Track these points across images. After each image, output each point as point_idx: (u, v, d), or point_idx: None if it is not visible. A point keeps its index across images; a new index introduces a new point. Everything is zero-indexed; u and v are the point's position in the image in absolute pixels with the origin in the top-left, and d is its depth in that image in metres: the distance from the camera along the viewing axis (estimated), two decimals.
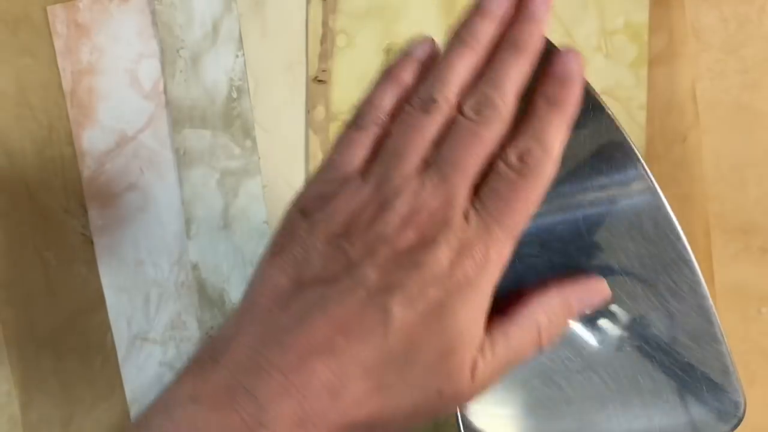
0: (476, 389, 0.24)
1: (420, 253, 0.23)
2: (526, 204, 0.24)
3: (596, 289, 0.27)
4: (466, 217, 0.24)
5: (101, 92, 0.48)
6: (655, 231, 0.28)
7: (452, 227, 0.23)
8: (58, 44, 0.48)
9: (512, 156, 0.24)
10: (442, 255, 0.23)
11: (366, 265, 0.23)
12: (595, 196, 0.28)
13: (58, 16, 0.48)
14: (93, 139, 0.48)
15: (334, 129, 0.46)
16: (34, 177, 0.48)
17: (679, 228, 0.28)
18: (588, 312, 0.27)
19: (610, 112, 0.29)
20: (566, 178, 0.28)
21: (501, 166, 0.24)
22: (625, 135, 0.29)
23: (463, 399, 0.24)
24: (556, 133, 0.24)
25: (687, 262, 0.28)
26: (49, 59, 0.48)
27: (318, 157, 0.46)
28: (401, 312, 0.22)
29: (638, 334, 0.28)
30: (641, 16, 0.44)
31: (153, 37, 0.48)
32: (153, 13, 0.48)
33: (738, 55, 0.43)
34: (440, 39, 0.45)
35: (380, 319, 0.22)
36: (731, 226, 0.43)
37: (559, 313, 0.26)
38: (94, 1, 0.48)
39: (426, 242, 0.23)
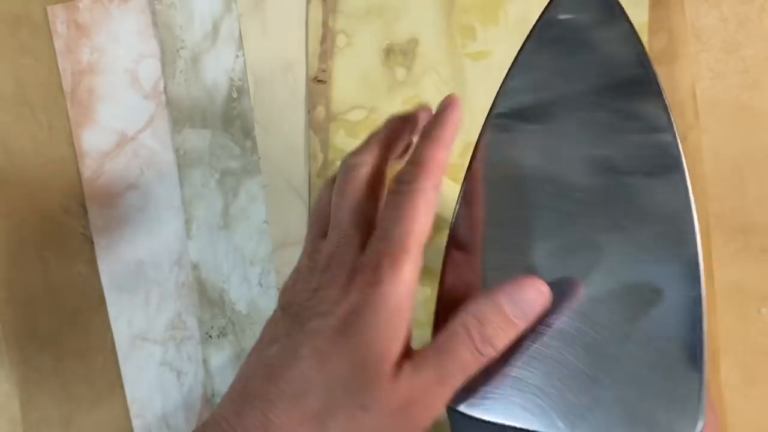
0: (405, 394, 0.25)
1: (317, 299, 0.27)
2: (409, 217, 0.26)
3: (529, 287, 0.26)
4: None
5: (101, 92, 0.48)
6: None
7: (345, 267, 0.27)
8: (58, 44, 0.48)
9: (396, 180, 0.27)
10: (333, 293, 0.27)
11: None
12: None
13: (58, 16, 0.48)
14: (93, 139, 0.48)
15: (334, 129, 0.46)
16: (34, 177, 0.48)
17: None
18: (531, 313, 0.26)
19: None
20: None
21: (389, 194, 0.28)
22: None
23: (391, 406, 0.25)
24: (432, 152, 0.28)
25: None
26: (49, 59, 0.48)
27: (318, 157, 0.46)
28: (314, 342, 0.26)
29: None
30: (641, 16, 0.44)
31: (153, 37, 0.48)
32: (153, 13, 0.48)
33: (738, 55, 0.43)
34: (439, 39, 0.45)
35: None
36: (731, 226, 0.43)
37: (488, 312, 0.26)
38: (94, 1, 0.48)
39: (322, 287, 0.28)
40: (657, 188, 0.27)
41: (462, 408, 0.27)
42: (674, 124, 0.28)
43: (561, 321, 0.27)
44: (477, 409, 0.27)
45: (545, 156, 0.29)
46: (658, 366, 0.26)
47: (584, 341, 0.27)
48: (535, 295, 0.26)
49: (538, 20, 0.30)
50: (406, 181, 0.27)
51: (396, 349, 0.25)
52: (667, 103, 0.28)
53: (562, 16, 0.30)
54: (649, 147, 0.28)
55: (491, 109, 0.31)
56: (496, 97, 0.31)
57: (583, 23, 0.30)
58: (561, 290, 0.27)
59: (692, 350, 0.26)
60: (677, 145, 0.28)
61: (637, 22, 0.44)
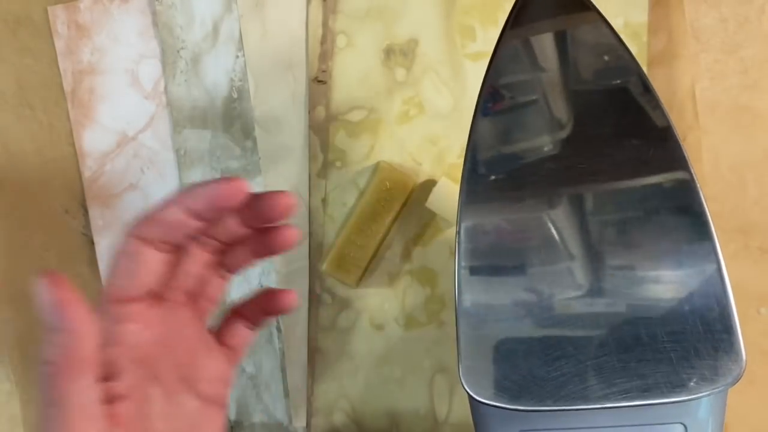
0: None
1: None
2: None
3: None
4: None
5: (102, 92, 0.48)
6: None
7: None
8: (59, 45, 0.48)
9: None
10: None
11: None
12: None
13: (58, 16, 0.48)
14: (93, 140, 0.48)
15: (334, 129, 0.46)
16: (34, 177, 0.49)
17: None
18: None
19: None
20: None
21: None
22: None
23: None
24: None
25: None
26: (50, 59, 0.48)
27: (318, 157, 0.46)
28: None
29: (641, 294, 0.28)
30: (641, 16, 0.44)
31: (153, 37, 0.48)
32: (153, 13, 0.48)
33: (738, 56, 0.43)
34: (439, 39, 0.45)
35: None
36: (730, 226, 0.43)
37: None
38: (94, 1, 0.48)
39: None
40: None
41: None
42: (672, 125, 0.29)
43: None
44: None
45: (540, 142, 0.30)
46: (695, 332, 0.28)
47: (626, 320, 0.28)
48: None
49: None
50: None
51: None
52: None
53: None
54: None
55: (478, 101, 0.31)
56: (481, 94, 0.31)
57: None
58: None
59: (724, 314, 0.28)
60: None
61: (637, 22, 0.44)
